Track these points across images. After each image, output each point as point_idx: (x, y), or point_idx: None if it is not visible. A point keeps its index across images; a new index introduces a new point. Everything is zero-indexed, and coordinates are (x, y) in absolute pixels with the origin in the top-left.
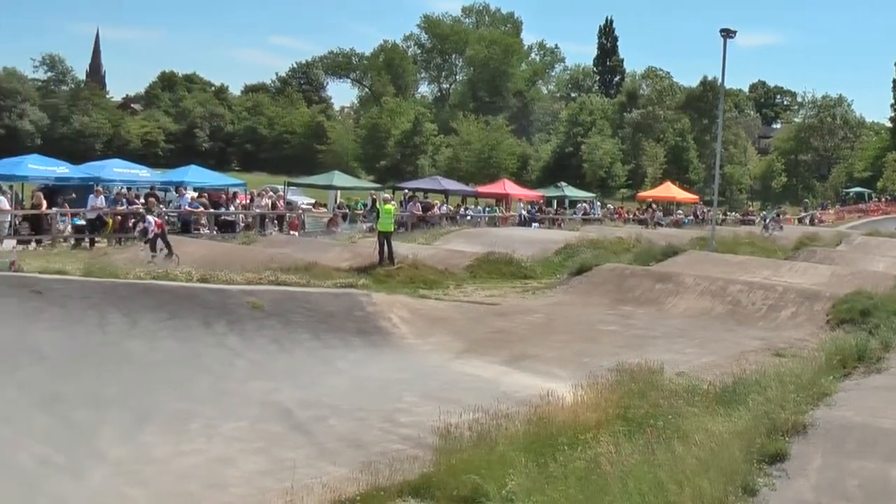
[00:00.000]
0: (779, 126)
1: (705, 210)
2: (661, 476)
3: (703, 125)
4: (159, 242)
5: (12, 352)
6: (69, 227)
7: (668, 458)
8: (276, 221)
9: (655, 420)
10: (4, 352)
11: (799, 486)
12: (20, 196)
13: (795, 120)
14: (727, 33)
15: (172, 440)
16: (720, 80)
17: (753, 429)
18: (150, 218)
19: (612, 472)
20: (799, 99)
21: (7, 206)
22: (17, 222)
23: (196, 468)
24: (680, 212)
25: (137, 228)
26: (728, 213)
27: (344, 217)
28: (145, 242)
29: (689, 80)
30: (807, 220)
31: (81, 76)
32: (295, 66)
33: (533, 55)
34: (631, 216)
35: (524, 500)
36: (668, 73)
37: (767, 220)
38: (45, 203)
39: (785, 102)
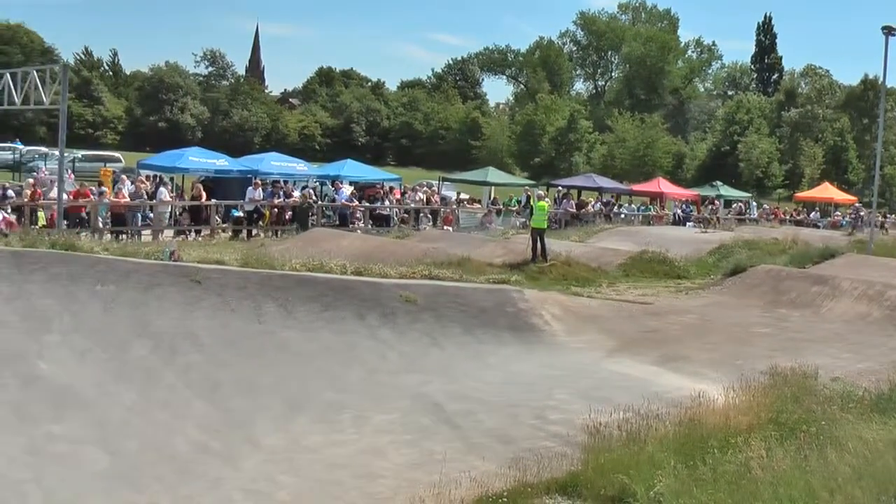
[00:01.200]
0: None
1: (863, 212)
2: (813, 483)
3: (864, 125)
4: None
5: (172, 339)
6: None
7: (820, 464)
8: (430, 216)
9: (808, 426)
10: (164, 339)
11: None
12: (181, 188)
13: None
14: (889, 31)
15: (324, 430)
16: (881, 79)
17: None
18: None
19: (762, 477)
20: None
21: (168, 198)
22: (178, 213)
23: (347, 458)
24: (838, 213)
25: None
26: (888, 216)
27: (498, 213)
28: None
29: (849, 78)
30: None
31: (241, 71)
32: (451, 62)
33: (689, 52)
34: (789, 217)
35: (672, 502)
36: (828, 71)
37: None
38: (204, 194)
39: None
